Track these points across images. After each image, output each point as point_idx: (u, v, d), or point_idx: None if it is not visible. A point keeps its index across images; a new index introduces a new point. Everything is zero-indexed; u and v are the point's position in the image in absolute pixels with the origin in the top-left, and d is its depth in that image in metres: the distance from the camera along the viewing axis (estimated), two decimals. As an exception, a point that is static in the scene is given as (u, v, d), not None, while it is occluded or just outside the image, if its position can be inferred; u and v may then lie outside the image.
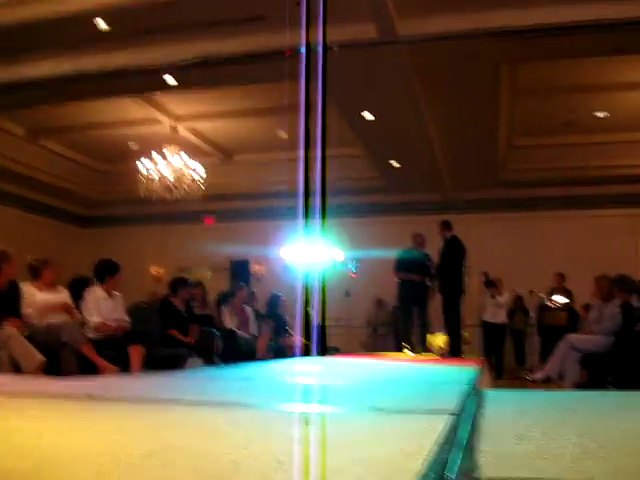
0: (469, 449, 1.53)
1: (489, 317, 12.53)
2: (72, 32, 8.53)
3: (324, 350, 12.22)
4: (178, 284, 8.32)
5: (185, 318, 8.11)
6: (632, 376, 7.25)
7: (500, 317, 12.55)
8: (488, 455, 1.45)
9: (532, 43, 8.39)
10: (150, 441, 1.64)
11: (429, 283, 9.94)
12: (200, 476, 1.22)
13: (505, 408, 2.48)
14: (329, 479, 1.20)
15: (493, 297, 12.44)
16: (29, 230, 14.64)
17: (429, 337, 10.36)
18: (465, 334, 11.04)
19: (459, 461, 1.38)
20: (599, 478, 1.23)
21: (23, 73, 9.17)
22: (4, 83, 9.29)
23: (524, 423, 2.02)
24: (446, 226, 9.71)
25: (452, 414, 2.20)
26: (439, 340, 10.08)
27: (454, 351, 9.40)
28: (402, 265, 9.94)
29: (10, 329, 5.67)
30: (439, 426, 1.89)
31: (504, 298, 12.54)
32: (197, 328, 8.30)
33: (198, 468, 1.30)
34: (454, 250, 9.53)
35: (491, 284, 12.47)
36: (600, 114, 11.87)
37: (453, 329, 9.51)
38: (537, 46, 8.54)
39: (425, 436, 1.71)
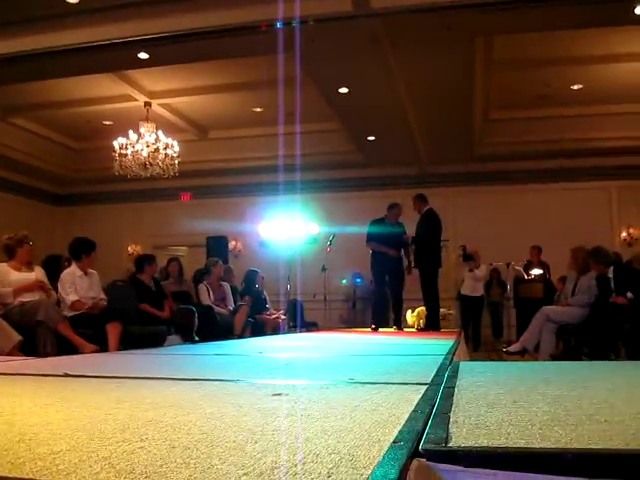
0: (442, 419, 1.54)
1: (467, 290, 12.60)
2: (42, 6, 8.41)
3: (302, 325, 12.30)
4: (143, 262, 8.30)
5: (155, 292, 8.09)
6: (606, 347, 7.35)
7: (478, 290, 12.62)
8: (460, 424, 1.47)
9: (507, 15, 8.38)
10: (125, 416, 1.64)
11: (405, 257, 9.90)
12: (173, 448, 1.22)
13: (479, 378, 2.50)
14: (300, 449, 1.21)
15: (471, 270, 12.50)
16: (1, 208, 14.52)
17: (408, 311, 10.35)
18: (449, 310, 11.07)
19: (432, 431, 1.39)
20: (566, 444, 1.24)
21: (-6, 50, 9.04)
22: (-25, 61, 9.17)
23: (496, 392, 2.04)
24: (421, 199, 9.66)
25: (426, 386, 2.22)
26: (417, 314, 10.09)
27: (432, 324, 9.44)
28: (374, 236, 9.81)
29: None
30: (413, 397, 1.91)
31: (482, 272, 12.60)
32: (173, 304, 8.30)
33: (171, 440, 1.30)
34: (431, 223, 9.50)
35: (469, 257, 12.53)
36: (575, 87, 11.92)
37: (431, 303, 9.53)
38: (512, 18, 8.53)
39: (399, 407, 1.73)
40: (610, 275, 7.64)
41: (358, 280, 13.97)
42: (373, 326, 9.73)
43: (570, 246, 8.48)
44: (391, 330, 9.58)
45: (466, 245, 12.70)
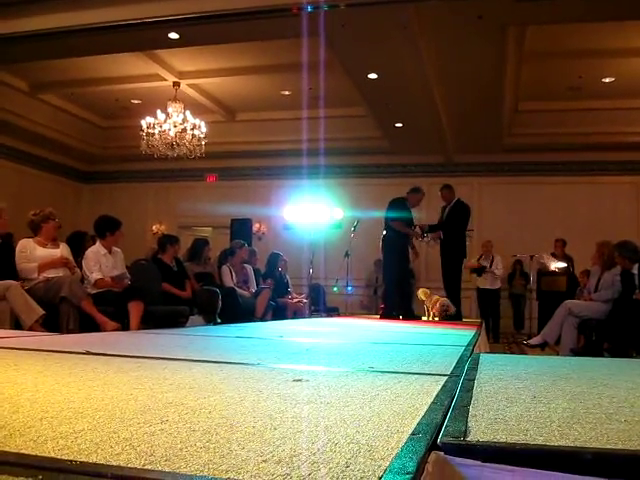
0: (461, 412, 1.54)
1: (484, 284, 12.47)
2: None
3: (323, 310, 12.31)
4: (165, 242, 8.35)
5: (176, 272, 8.14)
6: (628, 344, 7.29)
7: (495, 284, 12.48)
8: (479, 418, 1.46)
9: (541, 5, 8.29)
10: (146, 397, 1.65)
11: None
12: (193, 431, 1.23)
13: (499, 372, 2.49)
14: (319, 437, 1.21)
15: (489, 271, 12.31)
16: (29, 184, 14.66)
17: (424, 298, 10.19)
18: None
19: (450, 424, 1.39)
20: (585, 443, 1.24)
21: (26, 26, 9.07)
22: (6, 36, 9.20)
23: (516, 386, 2.04)
24: (451, 190, 9.65)
25: (446, 377, 2.22)
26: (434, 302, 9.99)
27: (453, 314, 9.40)
28: (400, 218, 9.55)
29: (11, 281, 5.71)
30: (433, 388, 1.91)
31: (499, 269, 12.45)
32: (196, 285, 8.35)
33: (191, 423, 1.31)
34: (463, 214, 9.49)
35: (481, 271, 12.31)
36: (606, 79, 11.78)
37: (453, 293, 9.50)
38: (546, 8, 8.43)
39: (418, 398, 1.73)
40: (635, 271, 7.57)
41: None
42: (401, 316, 9.57)
43: (595, 240, 8.42)
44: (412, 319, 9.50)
45: (471, 261, 12.32)
